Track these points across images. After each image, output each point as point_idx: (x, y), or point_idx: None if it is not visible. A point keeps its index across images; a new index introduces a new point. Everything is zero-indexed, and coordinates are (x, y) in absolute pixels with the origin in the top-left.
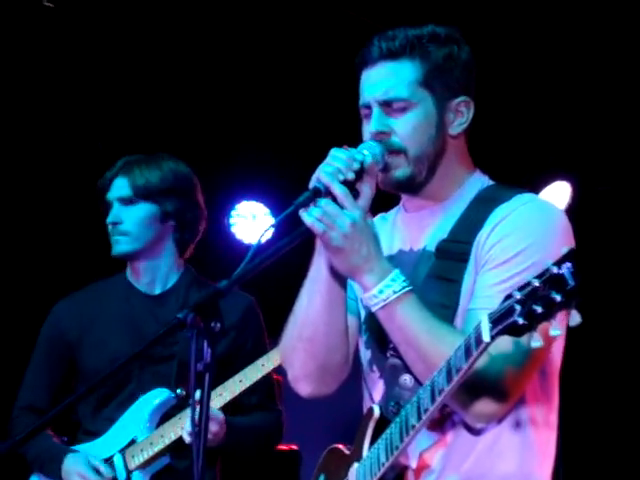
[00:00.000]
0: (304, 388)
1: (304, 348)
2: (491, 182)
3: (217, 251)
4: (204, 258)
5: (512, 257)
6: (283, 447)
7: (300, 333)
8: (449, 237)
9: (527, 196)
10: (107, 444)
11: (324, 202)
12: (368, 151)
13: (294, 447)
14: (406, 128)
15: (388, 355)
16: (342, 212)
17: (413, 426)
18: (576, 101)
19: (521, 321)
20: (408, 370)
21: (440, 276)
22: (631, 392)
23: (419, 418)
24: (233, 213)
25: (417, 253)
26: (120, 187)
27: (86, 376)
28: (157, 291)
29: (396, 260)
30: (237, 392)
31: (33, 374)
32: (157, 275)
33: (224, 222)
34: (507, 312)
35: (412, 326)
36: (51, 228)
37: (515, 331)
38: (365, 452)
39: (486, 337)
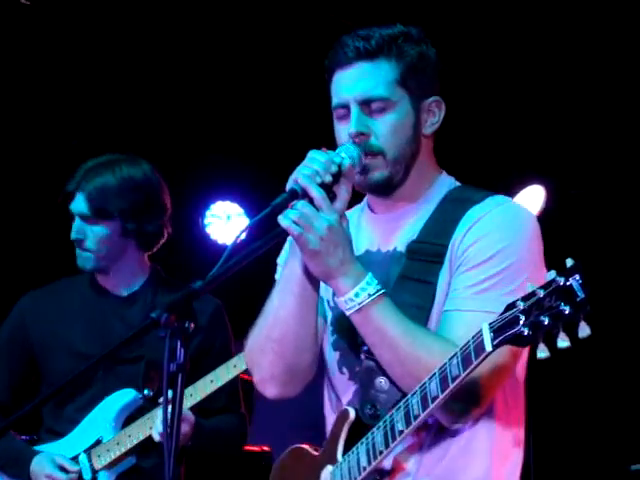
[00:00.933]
0: (270, 390)
1: (273, 349)
2: (458, 183)
3: (191, 251)
4: (178, 258)
5: (487, 259)
6: (255, 448)
7: (270, 333)
8: (420, 238)
9: (500, 198)
10: (71, 444)
11: (301, 204)
12: (346, 154)
13: (266, 448)
14: (385, 129)
15: (362, 357)
16: (319, 215)
17: (401, 431)
18: (550, 105)
19: (526, 331)
20: (383, 372)
21: (413, 277)
22: (602, 397)
23: (408, 424)
24: (207, 213)
25: (386, 254)
26: (79, 203)
27: (50, 375)
28: (124, 293)
29: (364, 261)
30: (208, 392)
31: None
32: (123, 278)
33: (198, 222)
34: (510, 321)
35: (388, 329)
36: (23, 223)
37: (519, 341)
38: (339, 455)
39: (488, 346)
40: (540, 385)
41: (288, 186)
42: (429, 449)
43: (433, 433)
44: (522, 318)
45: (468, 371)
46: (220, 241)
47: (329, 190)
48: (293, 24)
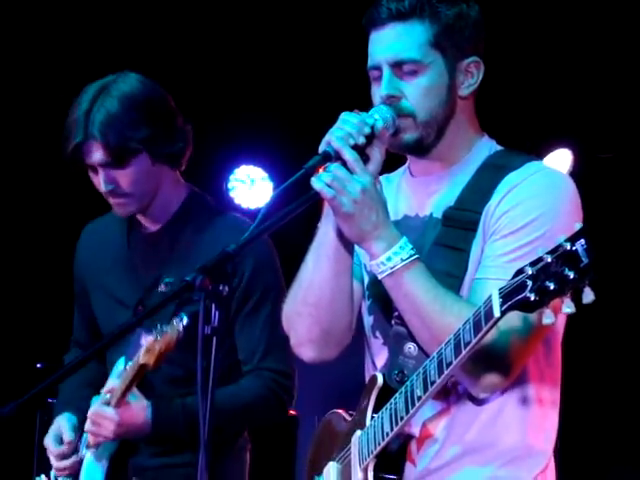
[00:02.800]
0: (307, 353)
1: (309, 313)
2: (499, 147)
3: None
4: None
5: (521, 227)
6: None
7: (305, 298)
8: (456, 205)
9: (537, 164)
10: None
11: (334, 167)
12: (379, 115)
13: (291, 412)
14: (417, 92)
15: (393, 323)
16: (352, 177)
17: (419, 397)
18: (578, 68)
19: (533, 297)
20: (412, 338)
21: (447, 244)
22: (632, 371)
23: (425, 390)
24: (231, 177)
25: (423, 219)
26: (96, 153)
27: (98, 319)
28: (156, 227)
29: (401, 225)
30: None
31: (74, 309)
32: (160, 210)
33: (222, 187)
34: (518, 287)
35: (418, 294)
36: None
37: (526, 307)
38: (368, 421)
39: (496, 312)
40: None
41: (321, 148)
42: (458, 417)
43: (462, 400)
44: (529, 283)
45: (479, 337)
46: (244, 205)
47: (362, 152)
48: None
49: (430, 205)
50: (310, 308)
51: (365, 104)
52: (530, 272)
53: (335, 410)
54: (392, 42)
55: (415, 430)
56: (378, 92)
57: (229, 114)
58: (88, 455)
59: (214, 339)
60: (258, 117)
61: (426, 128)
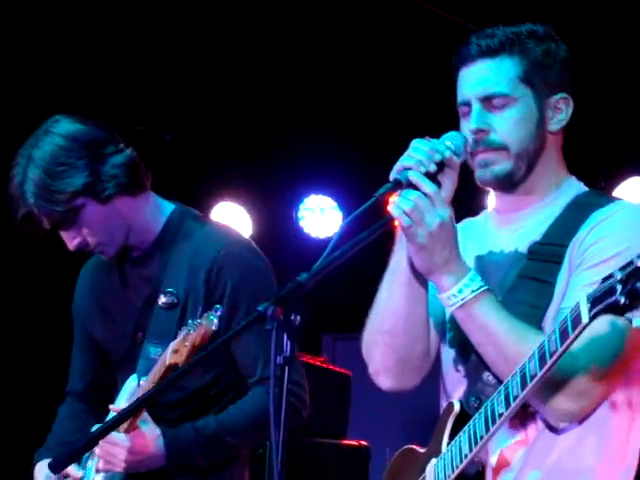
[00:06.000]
0: (385, 382)
1: (384, 341)
2: (586, 188)
3: (286, 245)
4: (273, 252)
5: (608, 259)
6: (353, 442)
7: (380, 326)
8: (543, 240)
9: (625, 202)
10: None
11: (416, 196)
12: (450, 142)
13: (364, 443)
14: (507, 124)
15: (471, 352)
16: (433, 209)
17: (500, 414)
18: None
19: (623, 300)
20: (489, 368)
21: (532, 277)
22: None
23: (507, 406)
24: (301, 207)
25: (508, 255)
26: (44, 222)
27: (109, 352)
28: (143, 249)
29: (486, 261)
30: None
31: (73, 355)
32: (139, 236)
33: (292, 216)
34: (607, 292)
35: (492, 324)
36: None
37: (616, 310)
38: (444, 447)
39: (585, 318)
40: None
41: (392, 176)
42: (536, 446)
43: (540, 430)
44: (619, 287)
45: (566, 345)
46: (314, 235)
47: (433, 179)
48: (410, 17)
49: (516, 240)
50: (385, 336)
51: (434, 132)
52: (619, 276)
53: (408, 445)
54: (482, 77)
55: (492, 459)
56: (467, 127)
57: (300, 142)
58: (99, 477)
59: (286, 368)
60: (328, 146)
61: (517, 160)
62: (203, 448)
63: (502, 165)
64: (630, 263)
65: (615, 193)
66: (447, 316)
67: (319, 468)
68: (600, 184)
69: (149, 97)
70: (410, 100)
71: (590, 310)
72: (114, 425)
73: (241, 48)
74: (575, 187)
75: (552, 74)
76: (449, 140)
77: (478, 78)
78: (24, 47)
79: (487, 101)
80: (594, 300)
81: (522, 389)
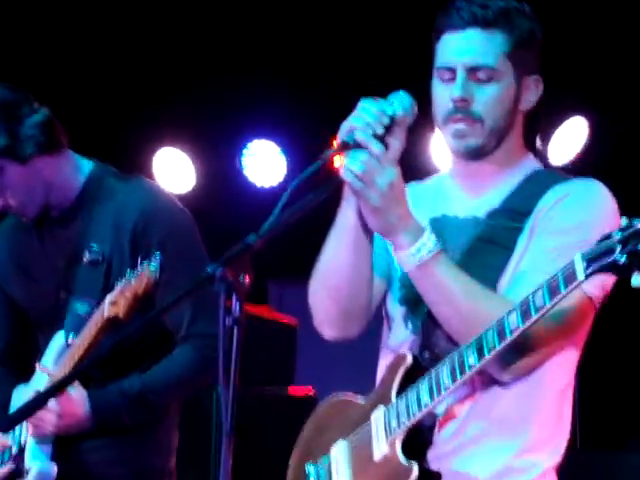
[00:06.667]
0: (328, 332)
1: (329, 295)
2: (543, 167)
3: (229, 193)
4: (217, 200)
5: (574, 227)
6: (299, 390)
7: (325, 281)
8: (502, 206)
9: (588, 179)
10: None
11: (366, 157)
12: (398, 102)
13: (310, 392)
14: (488, 98)
15: (425, 311)
16: (382, 170)
17: (471, 366)
18: (597, 30)
19: (623, 260)
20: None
21: (491, 240)
22: None
23: (480, 357)
24: (245, 152)
25: (465, 219)
26: None
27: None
28: (64, 209)
29: (442, 223)
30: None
31: None
32: (58, 195)
33: (236, 162)
34: (605, 252)
35: (447, 283)
36: None
37: (614, 269)
38: (393, 396)
39: (581, 275)
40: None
41: (340, 137)
42: (481, 400)
43: (486, 384)
44: (618, 247)
45: (555, 301)
46: (258, 183)
47: (381, 141)
48: None
49: (474, 206)
50: (330, 291)
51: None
52: (618, 237)
53: (340, 393)
54: (472, 47)
55: (439, 411)
56: (445, 92)
57: (243, 86)
58: (30, 440)
59: (235, 329)
60: (272, 89)
61: (490, 135)
62: (129, 409)
63: (476, 139)
64: (629, 225)
65: (556, 135)
66: (398, 274)
67: (266, 417)
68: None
69: (86, 40)
70: (357, 42)
71: (586, 268)
72: (59, 387)
73: None
74: (534, 163)
75: (531, 54)
76: (396, 100)
77: (468, 47)
78: None
79: (472, 72)
80: (590, 259)
81: (500, 342)
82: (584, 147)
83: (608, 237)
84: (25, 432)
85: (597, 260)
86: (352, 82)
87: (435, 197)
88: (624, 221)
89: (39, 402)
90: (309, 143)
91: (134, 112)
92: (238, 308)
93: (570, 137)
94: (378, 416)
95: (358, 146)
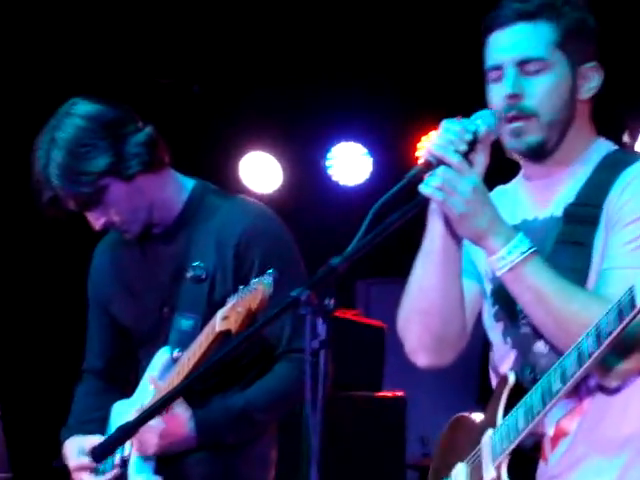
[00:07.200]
0: (422, 360)
1: (419, 320)
2: (615, 147)
3: (314, 193)
4: (302, 201)
5: None
6: (388, 394)
7: (415, 305)
8: (576, 201)
9: None
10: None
11: (442, 170)
12: (481, 121)
13: (399, 393)
14: (540, 90)
15: (520, 324)
16: (462, 177)
17: (557, 391)
18: None
19: None
20: (541, 336)
21: (570, 240)
22: None
23: (564, 382)
24: (330, 155)
25: (544, 221)
26: (69, 203)
27: (131, 330)
28: (165, 227)
29: (522, 228)
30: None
31: (89, 333)
32: (161, 215)
33: (322, 164)
34: None
35: (541, 285)
36: None
37: None
38: (500, 419)
39: (638, 301)
40: None
41: (422, 158)
42: (590, 412)
43: (594, 394)
44: None
45: (622, 326)
46: (342, 182)
47: (465, 158)
48: None
49: (550, 206)
50: (420, 315)
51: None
52: None
53: (460, 414)
54: (518, 40)
55: (549, 430)
56: (498, 91)
57: (329, 89)
58: (134, 454)
59: (321, 352)
60: (357, 92)
61: (549, 130)
62: (232, 427)
63: (535, 135)
64: None
65: None
66: (489, 290)
67: (356, 421)
68: (630, 122)
69: (175, 50)
70: (440, 47)
71: None
72: (164, 404)
73: None
74: (604, 147)
75: (584, 42)
76: (480, 119)
77: (514, 41)
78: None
79: (522, 65)
80: None
81: (579, 367)
82: None
83: None
84: (129, 445)
85: None
86: (437, 84)
87: (513, 202)
88: None
89: (142, 421)
90: (394, 145)
91: (222, 117)
92: (325, 331)
93: None
94: (486, 440)
95: (441, 164)
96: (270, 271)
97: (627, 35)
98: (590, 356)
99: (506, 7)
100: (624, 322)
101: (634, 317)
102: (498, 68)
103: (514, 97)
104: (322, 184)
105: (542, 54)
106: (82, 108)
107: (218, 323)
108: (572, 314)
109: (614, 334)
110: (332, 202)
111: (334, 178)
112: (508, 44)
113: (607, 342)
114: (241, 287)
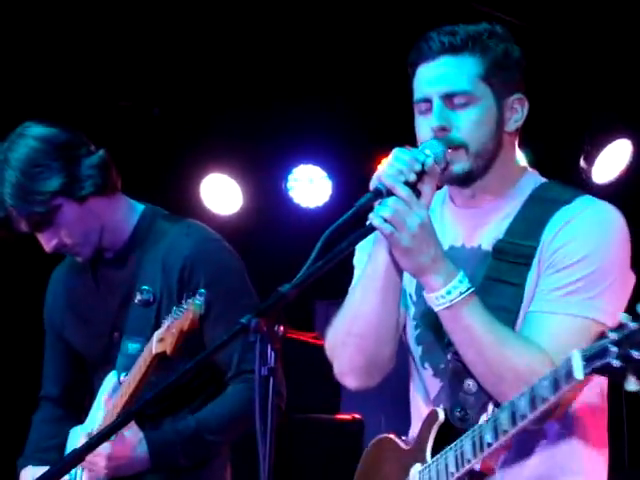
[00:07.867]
0: (350, 382)
1: (354, 342)
2: (544, 179)
3: (275, 215)
4: (263, 222)
5: (574, 263)
6: (346, 416)
7: (350, 328)
8: (507, 237)
9: (589, 199)
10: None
11: (393, 201)
12: (430, 151)
13: (357, 416)
14: (467, 123)
15: (449, 357)
16: (411, 211)
17: (489, 444)
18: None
19: (616, 364)
20: (471, 374)
21: (501, 279)
22: None
23: (496, 438)
24: (290, 177)
25: (471, 251)
26: (20, 224)
27: (85, 355)
28: (115, 251)
29: (448, 256)
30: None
31: (45, 361)
32: (111, 238)
33: (282, 186)
34: (601, 352)
35: (476, 327)
36: None
37: (608, 372)
38: (428, 456)
39: (579, 375)
40: None
41: (372, 185)
42: (516, 449)
43: (521, 432)
44: (613, 350)
45: (557, 395)
46: (303, 204)
47: (413, 188)
48: None
49: (478, 237)
50: (355, 339)
51: None
52: (614, 337)
53: (386, 435)
54: (443, 74)
55: (476, 466)
56: (426, 124)
57: (288, 112)
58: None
59: (271, 379)
60: (316, 115)
61: (477, 159)
62: (185, 449)
63: (461, 164)
64: (623, 326)
65: (602, 156)
66: (411, 312)
67: (314, 444)
68: (586, 148)
69: (135, 73)
70: (401, 69)
71: (585, 367)
72: (113, 430)
73: (226, 19)
74: (532, 180)
75: (510, 74)
76: (429, 149)
77: (440, 74)
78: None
79: (448, 99)
80: (588, 358)
81: (512, 426)
82: (626, 168)
83: (603, 336)
84: (81, 472)
85: (593, 359)
86: (396, 108)
87: (440, 227)
88: (623, 317)
89: (89, 447)
90: (354, 168)
91: (182, 140)
92: (273, 358)
93: (614, 159)
94: (414, 474)
95: (390, 193)
96: (202, 291)
97: (578, 64)
98: (522, 418)
99: (432, 40)
100: (559, 392)
101: (570, 389)
102: (426, 101)
103: (442, 130)
104: (282, 206)
105: (467, 88)
106: (35, 130)
107: (154, 346)
108: (504, 358)
109: (548, 402)
110: (292, 224)
111: (295, 200)
112: (434, 78)
113: (541, 408)
114: (174, 308)
